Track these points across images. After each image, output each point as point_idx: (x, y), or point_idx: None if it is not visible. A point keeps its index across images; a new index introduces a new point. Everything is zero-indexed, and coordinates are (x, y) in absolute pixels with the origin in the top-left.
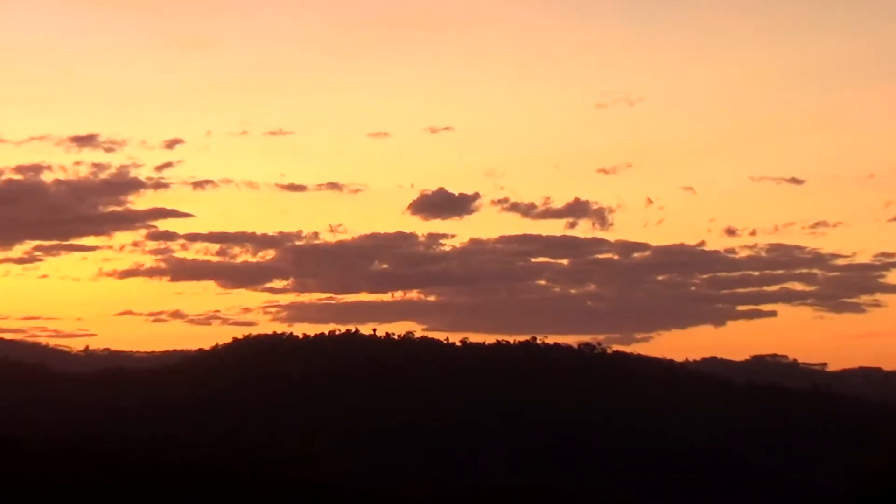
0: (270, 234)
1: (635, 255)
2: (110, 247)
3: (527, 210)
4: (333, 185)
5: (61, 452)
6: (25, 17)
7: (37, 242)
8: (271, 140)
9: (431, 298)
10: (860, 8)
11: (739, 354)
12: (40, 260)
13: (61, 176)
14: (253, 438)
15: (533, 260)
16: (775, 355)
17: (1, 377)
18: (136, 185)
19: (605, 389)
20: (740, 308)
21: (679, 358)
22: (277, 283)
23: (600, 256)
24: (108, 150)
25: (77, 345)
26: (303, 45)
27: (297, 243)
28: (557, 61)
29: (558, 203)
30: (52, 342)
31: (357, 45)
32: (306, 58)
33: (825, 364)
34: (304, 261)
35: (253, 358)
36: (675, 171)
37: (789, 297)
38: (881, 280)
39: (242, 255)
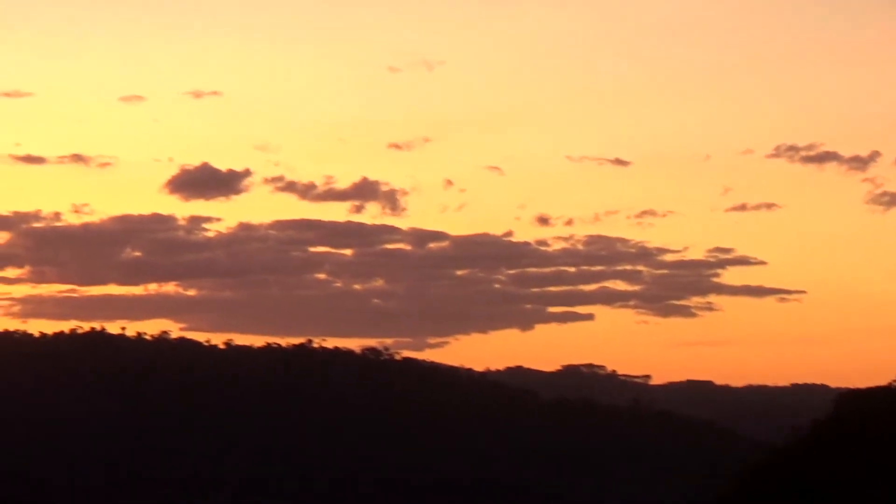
0: (3, 213)
1: (431, 245)
2: None
3: (305, 191)
4: (78, 158)
5: None
6: None
7: None
8: (5, 103)
9: (191, 293)
10: None
11: (549, 364)
12: None
13: None
14: None
15: (311, 249)
16: (591, 365)
17: None
18: None
19: (392, 402)
20: (552, 310)
21: (479, 367)
22: (10, 273)
23: (390, 247)
24: None
25: None
26: None
27: (35, 225)
28: (343, 17)
29: (342, 183)
30: None
31: None
32: (48, 4)
33: (648, 376)
34: (43, 246)
35: None
36: (480, 147)
37: (609, 298)
38: (715, 279)
39: None
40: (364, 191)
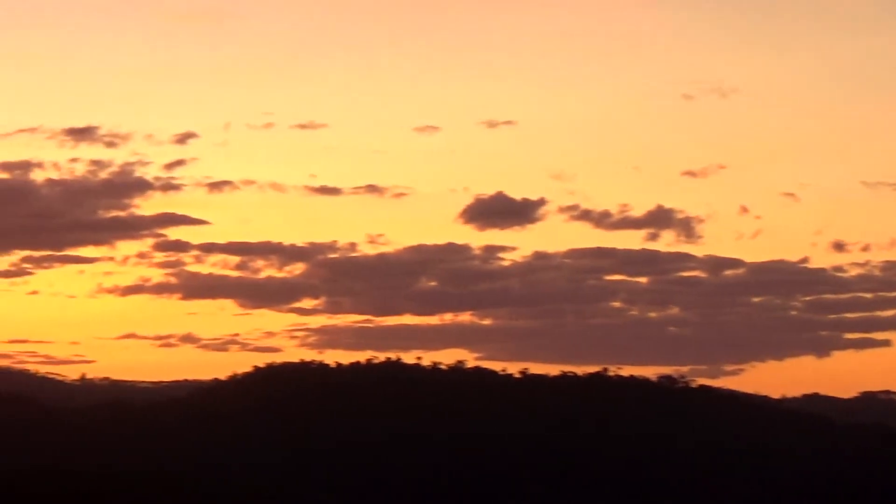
0: (299, 244)
1: (726, 272)
2: (111, 258)
3: (600, 219)
4: (373, 189)
5: (53, 500)
6: None
7: (25, 253)
8: (300, 135)
9: (486, 322)
10: None
11: (846, 391)
12: (30, 273)
13: (54, 175)
14: (275, 482)
15: (606, 277)
16: (889, 392)
17: None
18: (141, 187)
19: (688, 429)
20: (848, 336)
21: (775, 394)
22: (306, 303)
23: (685, 274)
24: (110, 144)
25: (72, 373)
26: (339, 20)
27: (330, 256)
28: (638, 46)
29: (637, 211)
30: (43, 370)
31: (404, 22)
32: (343, 36)
33: None
34: (339, 277)
35: (276, 390)
36: (775, 174)
37: None
38: None
39: (266, 270)
40: (659, 218)
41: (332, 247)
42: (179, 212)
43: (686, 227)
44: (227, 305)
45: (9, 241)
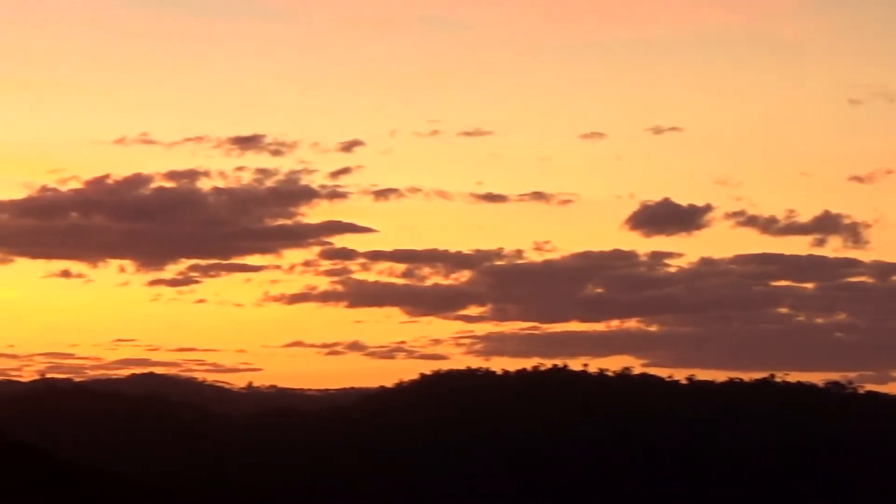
0: (465, 252)
1: (894, 278)
2: (278, 266)
3: (767, 225)
4: (539, 196)
5: None
6: None
7: (192, 261)
8: (466, 142)
9: (653, 328)
10: None
11: None
12: (196, 282)
13: (221, 184)
14: (443, 490)
15: (773, 283)
16: None
17: (151, 419)
18: (307, 195)
19: (856, 435)
20: None
21: None
22: (473, 310)
23: (853, 280)
24: (276, 153)
25: (239, 381)
26: (504, 28)
27: (497, 263)
28: (804, 51)
29: (804, 217)
30: (210, 378)
31: (567, 30)
32: (508, 44)
33: None
34: (505, 284)
35: (443, 397)
36: None
37: None
38: None
39: (432, 277)
40: (826, 224)
41: (498, 254)
42: (345, 220)
43: (853, 233)
44: (394, 313)
45: (176, 249)
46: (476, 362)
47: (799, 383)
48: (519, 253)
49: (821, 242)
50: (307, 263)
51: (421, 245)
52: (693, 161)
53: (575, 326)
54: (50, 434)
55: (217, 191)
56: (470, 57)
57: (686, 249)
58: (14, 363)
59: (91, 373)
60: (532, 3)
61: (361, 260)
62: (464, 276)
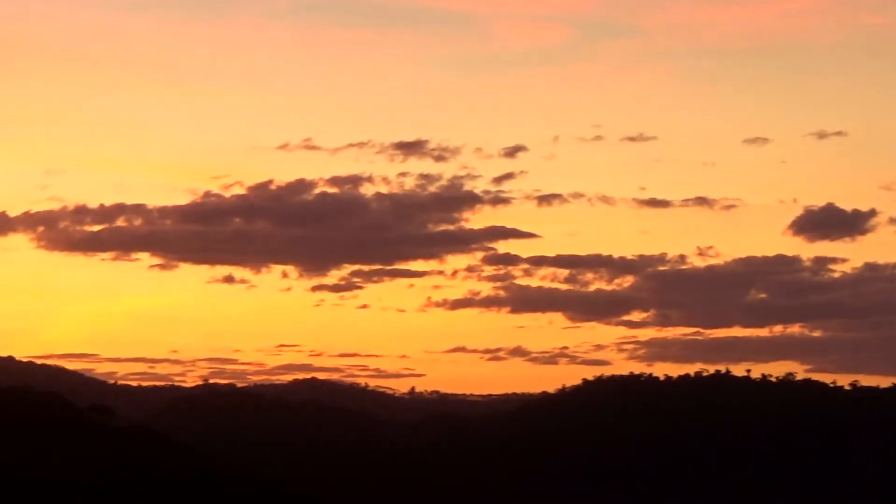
0: (628, 257)
1: None
2: (441, 272)
3: None
4: (702, 201)
5: None
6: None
7: (355, 267)
8: (629, 147)
9: (816, 334)
10: None
11: None
12: (359, 287)
13: (384, 189)
14: (606, 496)
15: None
16: None
17: (315, 423)
18: (470, 200)
19: None
20: None
21: None
22: (636, 316)
23: None
24: (439, 158)
25: (401, 386)
26: (669, 33)
27: (660, 268)
28: None
29: None
30: (373, 383)
31: (731, 36)
32: (671, 48)
33: None
34: (668, 289)
35: (606, 402)
36: None
37: None
38: None
39: (595, 283)
40: None
41: (661, 259)
42: (509, 225)
43: None
44: (557, 318)
45: (339, 255)
46: (639, 368)
47: None
48: (682, 258)
49: None
50: (470, 269)
51: (584, 250)
52: (857, 166)
53: (738, 332)
54: (212, 438)
55: (380, 196)
56: (633, 62)
57: (850, 255)
58: (178, 368)
59: (253, 378)
60: (697, 8)
61: (524, 265)
62: (627, 281)
